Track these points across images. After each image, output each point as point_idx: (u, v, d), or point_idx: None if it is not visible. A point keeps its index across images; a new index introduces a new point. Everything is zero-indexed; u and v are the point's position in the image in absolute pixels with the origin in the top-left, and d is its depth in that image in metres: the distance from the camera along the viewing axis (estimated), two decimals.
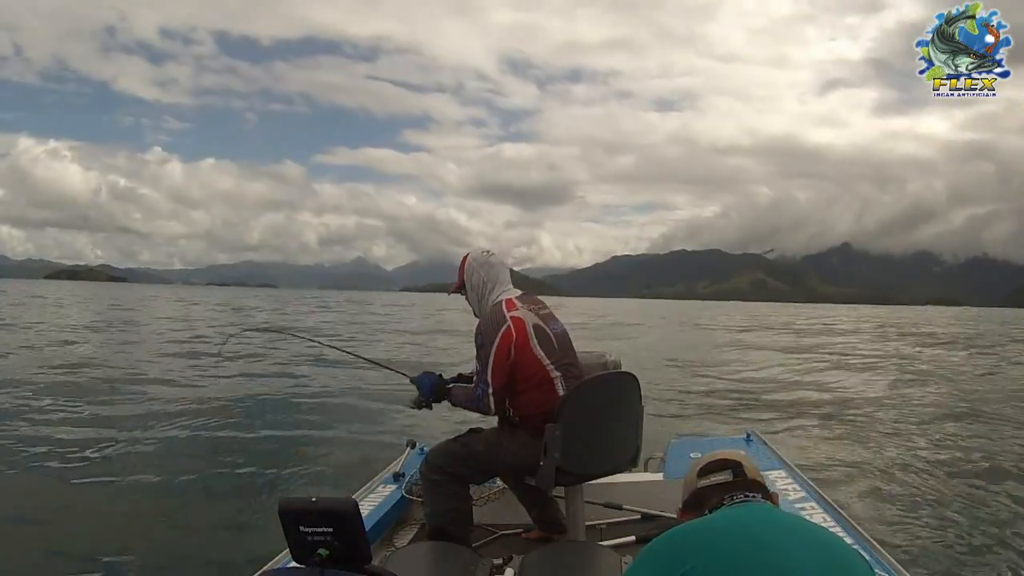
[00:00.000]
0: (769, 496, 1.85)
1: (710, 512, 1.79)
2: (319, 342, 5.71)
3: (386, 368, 4.43)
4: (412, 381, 3.84)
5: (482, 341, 3.51)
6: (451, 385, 3.80)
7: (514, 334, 3.47)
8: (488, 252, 3.80)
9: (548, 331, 3.60)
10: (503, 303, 3.59)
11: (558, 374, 3.53)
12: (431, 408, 3.87)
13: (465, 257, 3.81)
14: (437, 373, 3.89)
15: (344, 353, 5.08)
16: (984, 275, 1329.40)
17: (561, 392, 3.49)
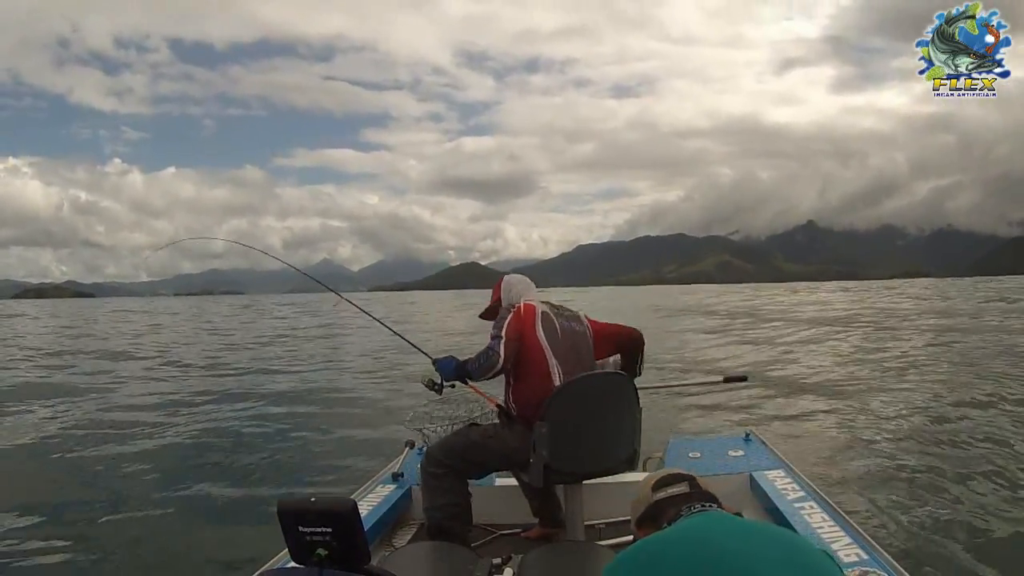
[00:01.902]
0: (723, 508, 1.83)
1: (668, 524, 1.76)
2: (363, 310, 5.48)
3: (412, 346, 4.45)
4: (434, 362, 3.91)
5: (499, 317, 3.75)
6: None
7: (523, 312, 3.70)
8: (521, 275, 4.12)
9: (556, 323, 3.76)
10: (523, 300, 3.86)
11: (556, 363, 3.61)
12: (440, 393, 3.98)
13: (500, 280, 4.10)
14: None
15: (376, 322, 4.98)
16: (949, 246, 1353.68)
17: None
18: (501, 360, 3.57)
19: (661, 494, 1.87)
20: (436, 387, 3.91)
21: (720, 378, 5.04)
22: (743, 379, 5.05)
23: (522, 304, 3.76)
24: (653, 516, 1.85)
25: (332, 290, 5.95)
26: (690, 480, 1.90)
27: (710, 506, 1.79)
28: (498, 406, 3.90)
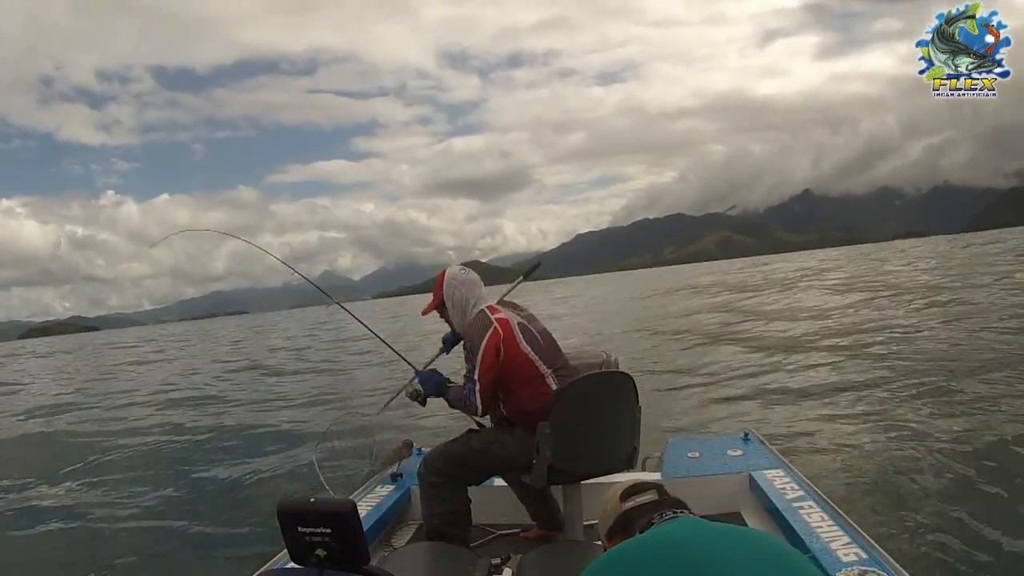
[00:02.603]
0: (693, 514, 1.81)
1: (641, 533, 1.74)
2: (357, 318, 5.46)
3: (400, 357, 4.43)
4: (417, 374, 3.91)
5: (471, 345, 3.58)
6: (451, 384, 3.84)
7: (501, 333, 3.55)
8: (464, 269, 3.86)
9: (533, 330, 3.70)
10: (486, 309, 3.68)
11: (548, 370, 3.60)
12: (424, 404, 3.95)
13: (441, 275, 3.87)
14: (443, 374, 3.93)
15: (368, 330, 4.98)
16: (948, 203, 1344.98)
17: (554, 388, 3.56)
18: (479, 411, 3.59)
19: (630, 503, 1.87)
20: (420, 398, 3.90)
21: (520, 277, 4.84)
22: (536, 265, 4.99)
23: (496, 323, 3.58)
24: (624, 526, 1.84)
25: (343, 304, 5.82)
26: (658, 488, 1.90)
27: (681, 512, 1.79)
28: (479, 423, 3.92)
